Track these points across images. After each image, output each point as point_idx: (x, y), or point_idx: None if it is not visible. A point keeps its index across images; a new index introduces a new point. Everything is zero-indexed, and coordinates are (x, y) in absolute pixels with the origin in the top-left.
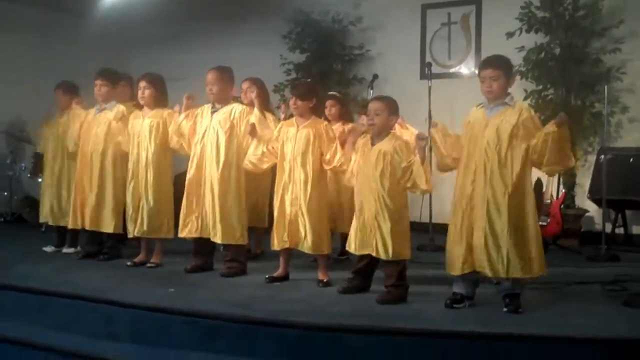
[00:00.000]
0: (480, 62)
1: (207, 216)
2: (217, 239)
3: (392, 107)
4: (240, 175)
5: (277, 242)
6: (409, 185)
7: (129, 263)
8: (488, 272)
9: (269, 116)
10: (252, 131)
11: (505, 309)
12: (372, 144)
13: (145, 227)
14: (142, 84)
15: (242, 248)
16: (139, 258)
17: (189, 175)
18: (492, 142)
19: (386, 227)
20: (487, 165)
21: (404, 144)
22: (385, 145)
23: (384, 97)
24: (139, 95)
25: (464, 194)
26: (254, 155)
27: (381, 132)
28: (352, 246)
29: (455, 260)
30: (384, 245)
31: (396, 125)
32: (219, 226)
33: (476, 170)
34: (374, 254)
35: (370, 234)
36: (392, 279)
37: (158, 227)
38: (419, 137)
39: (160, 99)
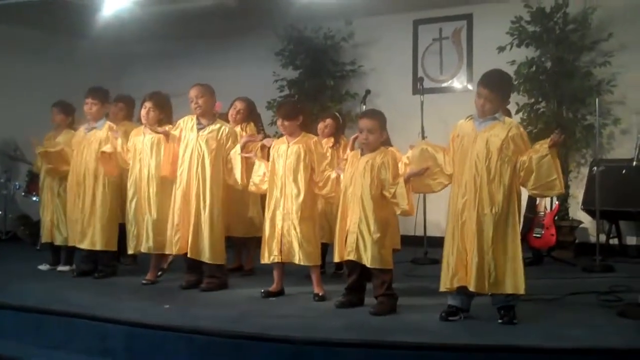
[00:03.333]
0: (482, 76)
1: (192, 234)
2: (205, 257)
3: (383, 123)
4: (222, 194)
5: (268, 255)
6: (393, 200)
7: (144, 281)
8: (472, 288)
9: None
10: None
11: (500, 321)
12: (362, 154)
13: (150, 243)
14: (148, 104)
15: (220, 265)
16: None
17: (176, 192)
18: (482, 156)
19: (370, 235)
20: (476, 179)
21: (391, 159)
22: (374, 157)
23: (374, 113)
24: (142, 114)
25: (456, 208)
26: (257, 176)
27: (375, 149)
28: (336, 255)
29: (445, 274)
30: (367, 252)
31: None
32: (205, 244)
33: (467, 185)
34: (354, 259)
35: (352, 241)
36: (382, 289)
37: (162, 242)
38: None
39: (164, 121)
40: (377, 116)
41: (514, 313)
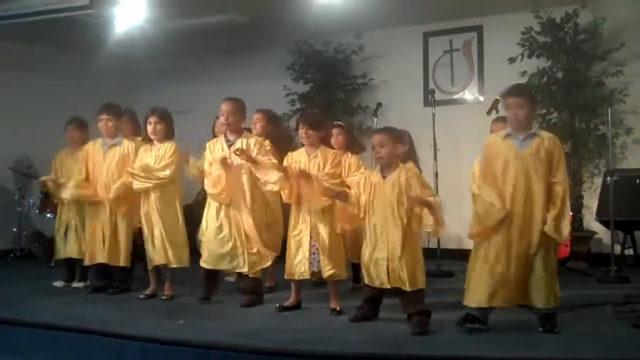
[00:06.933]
0: (506, 90)
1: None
2: (244, 269)
3: (396, 137)
4: (262, 206)
5: (294, 272)
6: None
7: (142, 296)
8: (537, 302)
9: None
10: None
11: (541, 329)
12: (384, 176)
13: (157, 258)
14: (153, 119)
15: (260, 279)
16: (151, 290)
17: (210, 209)
18: (528, 178)
19: (407, 256)
20: (519, 200)
21: (414, 175)
22: (397, 176)
23: (386, 128)
24: (150, 130)
25: (499, 225)
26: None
27: (390, 162)
28: (376, 281)
29: (479, 290)
30: (403, 276)
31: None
32: (247, 257)
33: (513, 203)
34: (396, 286)
35: (392, 267)
36: (418, 305)
37: (170, 257)
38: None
39: (169, 133)
40: (388, 130)
41: (555, 321)
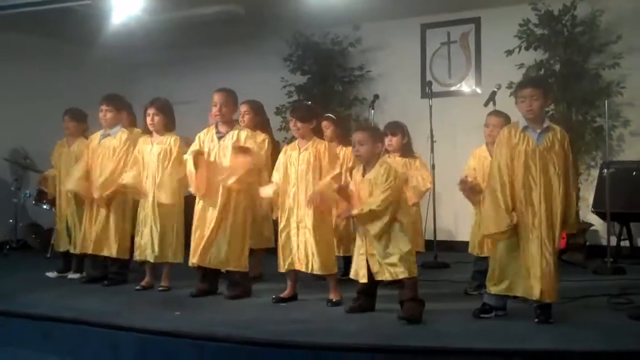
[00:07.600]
0: (519, 82)
1: (216, 244)
2: (226, 266)
3: (375, 135)
4: (246, 202)
5: (284, 264)
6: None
7: (138, 287)
8: (535, 294)
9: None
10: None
11: (536, 320)
12: (364, 174)
13: (156, 252)
14: (151, 110)
15: (246, 272)
16: (146, 282)
17: (199, 204)
18: (545, 171)
19: (388, 250)
20: (535, 193)
21: (385, 170)
22: (373, 173)
23: (366, 127)
24: (148, 122)
25: (512, 217)
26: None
27: (369, 160)
28: (360, 276)
29: (495, 278)
30: (390, 268)
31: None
32: (226, 254)
33: (526, 197)
34: (387, 279)
35: (375, 260)
36: (411, 292)
37: (167, 252)
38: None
39: (169, 125)
40: (368, 129)
41: (550, 312)
